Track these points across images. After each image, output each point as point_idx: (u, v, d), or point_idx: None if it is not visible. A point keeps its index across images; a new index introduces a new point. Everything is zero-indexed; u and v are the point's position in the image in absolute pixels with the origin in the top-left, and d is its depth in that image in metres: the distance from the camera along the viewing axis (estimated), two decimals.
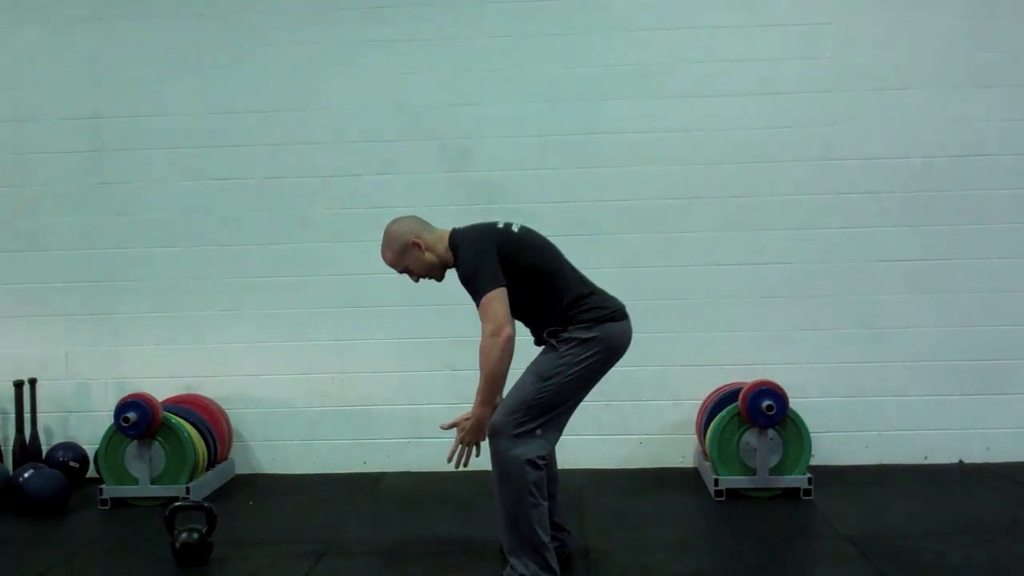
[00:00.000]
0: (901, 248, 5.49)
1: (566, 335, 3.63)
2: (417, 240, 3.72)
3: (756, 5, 5.53)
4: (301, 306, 5.67)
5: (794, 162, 5.52)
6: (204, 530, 4.09)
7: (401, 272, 3.81)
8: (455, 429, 3.70)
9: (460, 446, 3.67)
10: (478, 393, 3.55)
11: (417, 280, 3.84)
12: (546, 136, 5.58)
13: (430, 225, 3.81)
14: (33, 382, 5.59)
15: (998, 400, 5.48)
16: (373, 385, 5.66)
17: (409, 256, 3.74)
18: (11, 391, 5.53)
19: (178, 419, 5.11)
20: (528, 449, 3.54)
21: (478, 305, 3.54)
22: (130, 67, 5.68)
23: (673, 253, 5.55)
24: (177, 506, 4.15)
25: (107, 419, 5.13)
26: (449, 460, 3.65)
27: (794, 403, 4.91)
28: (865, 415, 5.50)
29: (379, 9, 5.61)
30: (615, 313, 3.71)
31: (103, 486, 5.07)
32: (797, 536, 4.45)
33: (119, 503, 5.04)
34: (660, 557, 4.09)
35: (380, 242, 3.80)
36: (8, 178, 5.73)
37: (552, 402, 3.60)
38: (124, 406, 4.98)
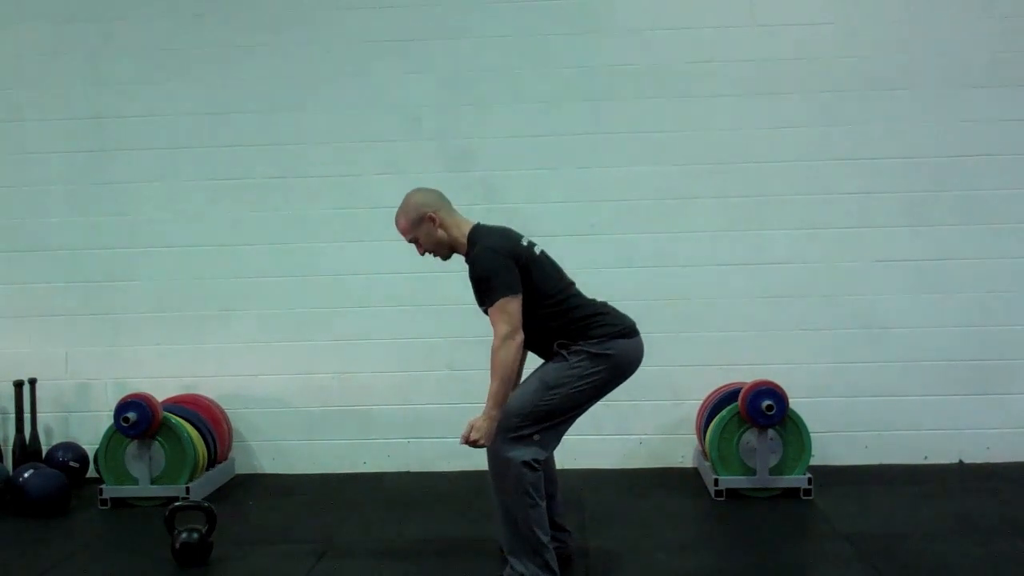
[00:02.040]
0: (901, 248, 5.49)
1: (577, 347, 3.63)
2: (433, 215, 3.72)
3: (756, 5, 5.54)
4: (301, 306, 5.67)
5: (794, 162, 5.52)
6: (204, 530, 4.09)
7: (410, 241, 3.81)
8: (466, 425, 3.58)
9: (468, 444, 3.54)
10: (490, 397, 3.49)
11: (423, 253, 3.82)
12: (546, 136, 5.58)
13: (451, 206, 3.80)
14: (33, 382, 5.59)
15: (998, 400, 5.48)
16: (373, 385, 5.65)
17: (422, 228, 3.73)
18: (11, 391, 5.52)
19: (178, 419, 5.11)
20: (523, 452, 3.54)
21: (489, 306, 3.52)
22: (130, 67, 5.67)
23: (673, 253, 5.55)
24: (177, 506, 4.15)
25: (107, 419, 5.13)
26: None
27: (794, 403, 4.91)
28: (865, 415, 5.50)
29: (380, 9, 5.60)
30: (626, 330, 3.71)
31: (103, 486, 5.07)
32: (797, 536, 4.45)
33: (119, 503, 5.04)
34: (660, 557, 4.09)
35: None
36: (8, 178, 5.73)
37: (554, 411, 3.60)
38: (124, 406, 4.98)
